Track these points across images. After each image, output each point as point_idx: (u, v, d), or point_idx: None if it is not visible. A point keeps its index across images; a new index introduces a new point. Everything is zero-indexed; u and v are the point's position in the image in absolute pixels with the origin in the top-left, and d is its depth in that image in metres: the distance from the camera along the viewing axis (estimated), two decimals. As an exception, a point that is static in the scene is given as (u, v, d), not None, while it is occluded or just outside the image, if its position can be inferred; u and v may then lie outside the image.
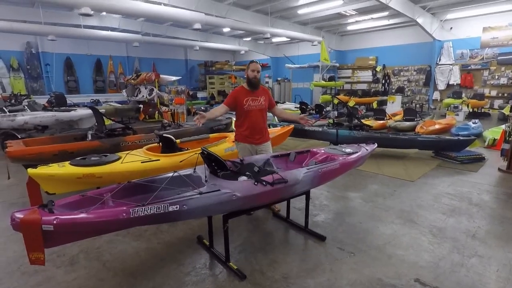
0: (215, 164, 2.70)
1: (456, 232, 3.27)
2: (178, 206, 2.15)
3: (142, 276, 2.58)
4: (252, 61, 3.50)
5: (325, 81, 15.01)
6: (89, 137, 5.01)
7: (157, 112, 11.72)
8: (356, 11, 12.37)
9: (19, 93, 10.78)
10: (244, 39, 17.93)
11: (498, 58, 11.99)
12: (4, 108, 7.12)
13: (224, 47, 17.10)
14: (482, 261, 2.73)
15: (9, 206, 4.07)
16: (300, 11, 12.31)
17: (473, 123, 8.37)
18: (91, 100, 13.20)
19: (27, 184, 3.24)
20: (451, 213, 3.71)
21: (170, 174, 2.65)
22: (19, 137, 6.31)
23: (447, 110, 11.34)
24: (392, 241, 3.09)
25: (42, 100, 10.58)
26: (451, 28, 12.95)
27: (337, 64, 16.74)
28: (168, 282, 2.50)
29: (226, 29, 14.95)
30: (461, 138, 6.14)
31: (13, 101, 9.13)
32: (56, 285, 2.49)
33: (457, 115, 10.83)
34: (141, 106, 11.34)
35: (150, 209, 2.07)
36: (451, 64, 13.09)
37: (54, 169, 3.20)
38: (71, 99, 10.42)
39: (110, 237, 3.16)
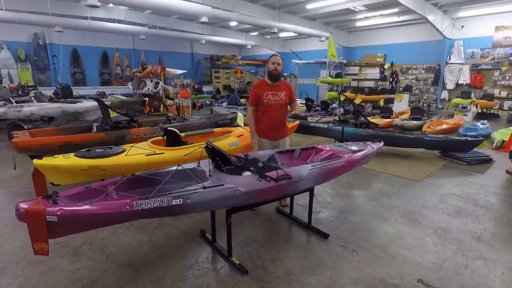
0: (219, 159, 2.69)
1: (461, 233, 3.23)
2: (181, 200, 2.14)
3: (145, 269, 2.59)
4: (273, 55, 3.52)
5: (332, 77, 14.90)
6: (94, 129, 5.03)
7: (162, 105, 11.74)
8: (365, 7, 12.20)
9: (25, 84, 10.86)
10: (251, 33, 17.82)
11: (510, 58, 11.76)
12: (11, 99, 7.18)
13: (231, 41, 17.01)
14: (487, 264, 2.70)
15: (16, 196, 4.11)
16: (309, 6, 12.18)
17: (482, 123, 8.23)
18: (97, 92, 13.26)
19: (33, 175, 3.27)
20: (457, 214, 3.67)
21: (174, 168, 2.65)
22: (26, 128, 6.36)
23: (455, 110, 11.18)
24: (396, 241, 3.07)
25: (49, 91, 10.66)
26: (462, 26, 12.72)
27: (345, 61, 16.58)
28: (170, 275, 2.50)
29: (233, 23, 14.88)
30: (469, 138, 6.06)
31: (20, 92, 9.21)
32: (60, 274, 2.51)
33: (465, 115, 10.67)
34: (147, 99, 11.36)
35: (154, 202, 2.07)
36: (461, 64, 12.89)
37: (59, 160, 3.21)
38: (77, 91, 10.48)
39: (114, 229, 3.18)
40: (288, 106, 3.65)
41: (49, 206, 1.92)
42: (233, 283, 2.41)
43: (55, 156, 3.30)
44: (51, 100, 7.92)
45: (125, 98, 11.59)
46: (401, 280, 2.46)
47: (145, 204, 2.05)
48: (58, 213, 1.89)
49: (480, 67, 12.58)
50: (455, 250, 2.90)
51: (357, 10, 12.71)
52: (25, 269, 2.57)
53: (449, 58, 13.14)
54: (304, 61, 16.69)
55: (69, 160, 3.25)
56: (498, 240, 3.11)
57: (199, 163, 2.76)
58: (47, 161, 3.17)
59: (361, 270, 2.59)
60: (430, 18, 11.37)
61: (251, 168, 2.70)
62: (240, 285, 2.39)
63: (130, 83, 13.61)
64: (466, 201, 4.07)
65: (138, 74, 12.75)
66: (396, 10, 12.25)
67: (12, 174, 4.80)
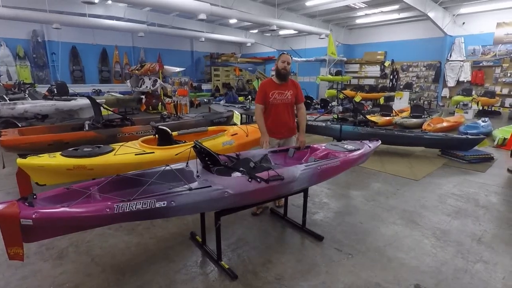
0: (208, 159, 2.58)
1: (460, 235, 3.12)
2: (165, 202, 2.04)
3: (131, 273, 2.49)
4: (282, 53, 3.42)
5: (332, 75, 14.75)
6: (86, 127, 4.93)
7: (160, 103, 11.64)
8: (365, 4, 12.06)
9: (22, 81, 10.76)
10: (251, 31, 17.69)
11: None
12: (4, 96, 7.08)
13: (230, 39, 16.89)
14: (488, 268, 2.59)
15: (5, 195, 4.02)
16: (308, 3, 12.05)
17: (483, 121, 8.12)
18: (93, 90, 13.16)
19: (17, 175, 3.16)
20: (456, 215, 3.56)
21: (162, 168, 2.55)
22: (20, 125, 6.27)
23: (456, 107, 11.04)
24: (393, 243, 2.96)
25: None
26: (463, 23, 12.57)
27: (345, 58, 16.44)
28: (156, 279, 2.41)
29: (232, 21, 14.73)
30: (470, 136, 5.94)
31: (16, 89, 9.11)
32: (42, 279, 2.41)
33: (466, 113, 10.53)
34: (143, 97, 11.25)
35: (136, 205, 1.96)
36: (462, 61, 12.75)
37: (44, 159, 3.11)
38: (74, 88, 10.38)
39: (102, 231, 3.09)
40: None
41: (24, 209, 1.82)
42: (221, 288, 2.31)
43: (40, 155, 3.19)
44: (45, 97, 7.82)
45: (121, 96, 11.48)
46: (397, 286, 2.35)
47: (126, 207, 1.94)
48: (33, 216, 1.79)
49: (481, 64, 12.44)
50: (455, 253, 2.80)
51: (357, 7, 12.57)
52: (6, 272, 2.48)
53: (450, 55, 12.99)
54: (304, 59, 16.54)
55: (55, 159, 3.14)
56: (500, 242, 3.00)
57: (187, 163, 2.65)
58: (31, 160, 3.06)
59: (356, 274, 2.48)
60: (430, 15, 11.22)
61: (241, 169, 2.58)
62: (229, 290, 2.29)
63: (128, 80, 13.50)
64: (466, 201, 3.96)
65: (137, 71, 12.64)
66: (396, 7, 12.11)
67: (2, 174, 4.70)
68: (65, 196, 2.13)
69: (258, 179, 2.38)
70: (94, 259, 2.68)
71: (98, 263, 2.63)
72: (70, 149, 3.37)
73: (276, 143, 3.49)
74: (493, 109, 11.66)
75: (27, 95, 7.68)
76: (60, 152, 3.28)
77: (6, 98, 6.93)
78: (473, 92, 11.56)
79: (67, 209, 1.88)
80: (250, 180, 2.37)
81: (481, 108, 11.14)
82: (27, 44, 14.07)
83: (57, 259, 2.68)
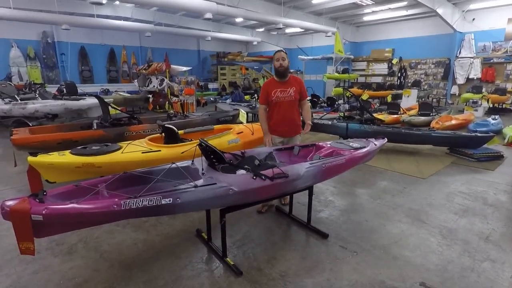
0: (213, 157, 2.61)
1: (468, 233, 3.09)
2: (171, 199, 2.07)
3: (138, 268, 2.54)
4: (276, 51, 3.42)
5: (339, 73, 14.67)
6: (95, 126, 5.02)
7: (167, 102, 11.73)
8: (373, 1, 11.94)
9: (32, 82, 10.96)
10: (257, 29, 17.67)
11: (523, 51, 11.38)
12: (16, 96, 7.24)
13: (237, 37, 16.90)
14: (495, 266, 2.56)
15: (17, 193, 4.12)
16: (315, 1, 11.98)
17: (493, 119, 7.99)
18: (101, 90, 13.34)
19: (28, 172, 3.24)
20: (464, 214, 3.52)
21: (168, 166, 2.58)
22: (30, 124, 6.41)
23: (466, 105, 10.88)
24: (399, 241, 2.95)
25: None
26: (473, 19, 12.35)
27: (352, 56, 16.31)
28: (162, 275, 2.45)
29: (238, 19, 14.74)
30: (479, 134, 5.85)
31: (27, 89, 9.31)
32: (52, 274, 2.48)
33: (476, 110, 10.37)
34: (150, 96, 11.35)
35: (142, 202, 2.00)
36: (471, 57, 12.53)
37: (54, 157, 3.18)
38: (83, 88, 10.54)
39: (110, 227, 3.15)
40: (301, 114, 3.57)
41: (34, 205, 1.88)
42: (226, 284, 2.34)
43: (50, 153, 3.27)
44: (55, 97, 7.97)
45: (128, 95, 11.61)
46: (402, 283, 2.35)
47: (133, 204, 1.98)
48: (44, 212, 1.84)
49: (492, 61, 12.21)
50: (461, 252, 2.77)
51: (364, 4, 12.45)
52: (17, 267, 2.55)
53: (460, 52, 12.79)
54: (311, 57, 16.47)
55: (64, 157, 3.21)
56: (508, 240, 2.96)
57: (193, 161, 2.69)
58: (41, 158, 3.14)
59: (360, 272, 2.49)
60: (439, 11, 11.05)
61: (246, 166, 2.61)
62: (234, 286, 2.32)
63: (136, 80, 13.64)
64: (474, 199, 3.92)
65: (144, 71, 12.76)
66: (404, 3, 11.96)
67: (15, 171, 4.81)
68: (74, 193, 2.18)
69: (263, 177, 2.39)
70: (102, 255, 2.74)
71: (106, 259, 2.69)
72: (79, 147, 3.45)
73: (280, 141, 3.50)
74: (504, 107, 11.45)
75: (37, 95, 7.83)
76: (69, 150, 3.36)
77: (18, 98, 7.09)
78: (483, 90, 11.37)
79: (76, 205, 1.93)
80: (254, 177, 2.39)
81: (491, 105, 10.94)
82: (37, 45, 14.29)
83: (67, 254, 2.74)
